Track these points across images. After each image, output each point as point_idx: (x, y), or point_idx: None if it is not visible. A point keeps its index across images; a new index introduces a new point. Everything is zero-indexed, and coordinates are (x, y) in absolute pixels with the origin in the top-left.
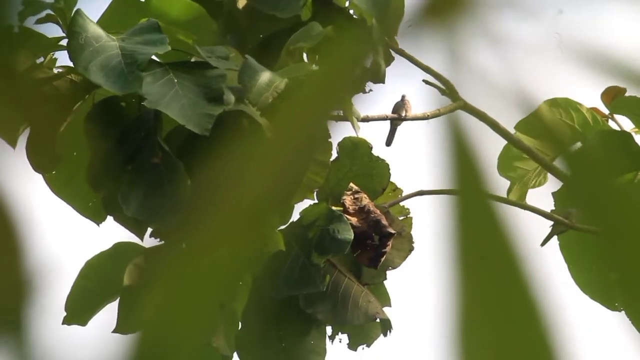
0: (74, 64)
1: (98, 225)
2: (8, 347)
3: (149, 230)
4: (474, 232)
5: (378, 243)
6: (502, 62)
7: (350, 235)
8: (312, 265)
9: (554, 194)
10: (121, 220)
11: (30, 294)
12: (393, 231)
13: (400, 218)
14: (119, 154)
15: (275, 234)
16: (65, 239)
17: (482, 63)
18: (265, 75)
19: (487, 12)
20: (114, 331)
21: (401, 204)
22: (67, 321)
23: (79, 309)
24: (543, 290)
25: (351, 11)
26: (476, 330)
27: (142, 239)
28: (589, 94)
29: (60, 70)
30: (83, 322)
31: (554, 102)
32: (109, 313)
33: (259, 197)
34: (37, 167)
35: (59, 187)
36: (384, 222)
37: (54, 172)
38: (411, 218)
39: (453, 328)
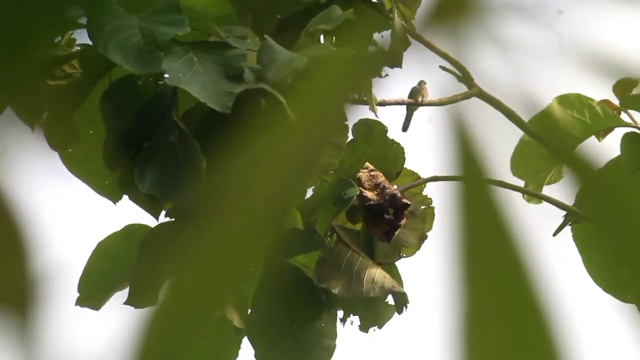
0: (93, 42)
1: (114, 203)
2: (15, 347)
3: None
4: (474, 220)
5: (393, 217)
6: (507, 64)
7: (355, 192)
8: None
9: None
10: (137, 199)
11: (37, 294)
12: (408, 202)
13: (422, 207)
14: (136, 132)
15: (294, 213)
16: (73, 239)
17: (487, 66)
18: (284, 56)
19: (491, 16)
20: (126, 303)
21: (423, 193)
22: (80, 303)
23: (92, 291)
24: (546, 280)
25: None
26: (478, 324)
27: (157, 218)
28: (592, 92)
29: (78, 48)
30: (96, 305)
31: (565, 99)
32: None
33: (277, 176)
34: (54, 145)
35: (75, 166)
36: (400, 195)
37: (70, 151)
38: (433, 208)
39: (456, 322)
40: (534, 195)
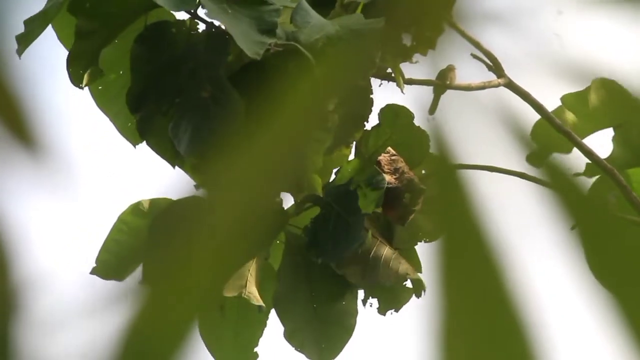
0: None
1: (134, 146)
2: None
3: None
4: (450, 211)
5: (408, 202)
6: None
7: (382, 184)
8: (355, 222)
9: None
10: (154, 145)
11: (18, 306)
12: (424, 187)
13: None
14: (167, 86)
15: (314, 178)
16: (56, 250)
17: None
18: (317, 19)
19: (474, 29)
20: (140, 283)
21: None
22: (96, 272)
23: (113, 262)
24: (525, 273)
25: None
26: (452, 319)
27: (174, 167)
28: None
29: None
30: (120, 275)
31: (602, 82)
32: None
33: (298, 137)
34: (76, 81)
35: (104, 102)
36: (417, 181)
37: (100, 88)
38: None
39: (435, 321)
40: (536, 181)
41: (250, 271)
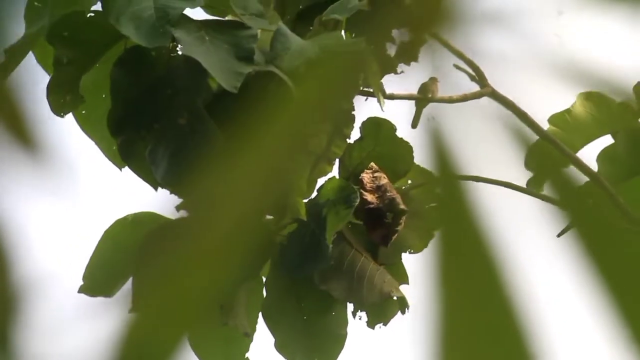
0: (105, 12)
1: (120, 170)
2: None
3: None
4: (447, 220)
5: (391, 221)
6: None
7: (355, 202)
8: (326, 243)
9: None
10: (136, 168)
11: (18, 308)
12: (405, 208)
13: (430, 205)
14: (145, 111)
15: (300, 203)
16: (56, 252)
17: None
18: (297, 44)
19: (470, 29)
20: (130, 311)
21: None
22: (83, 291)
23: (100, 279)
24: (524, 280)
25: None
26: (450, 326)
27: (156, 190)
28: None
29: (92, 15)
30: (108, 292)
31: (587, 96)
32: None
33: (281, 162)
34: (55, 109)
35: (88, 126)
36: (399, 201)
37: (83, 112)
38: None
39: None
40: (528, 193)
41: (238, 295)
